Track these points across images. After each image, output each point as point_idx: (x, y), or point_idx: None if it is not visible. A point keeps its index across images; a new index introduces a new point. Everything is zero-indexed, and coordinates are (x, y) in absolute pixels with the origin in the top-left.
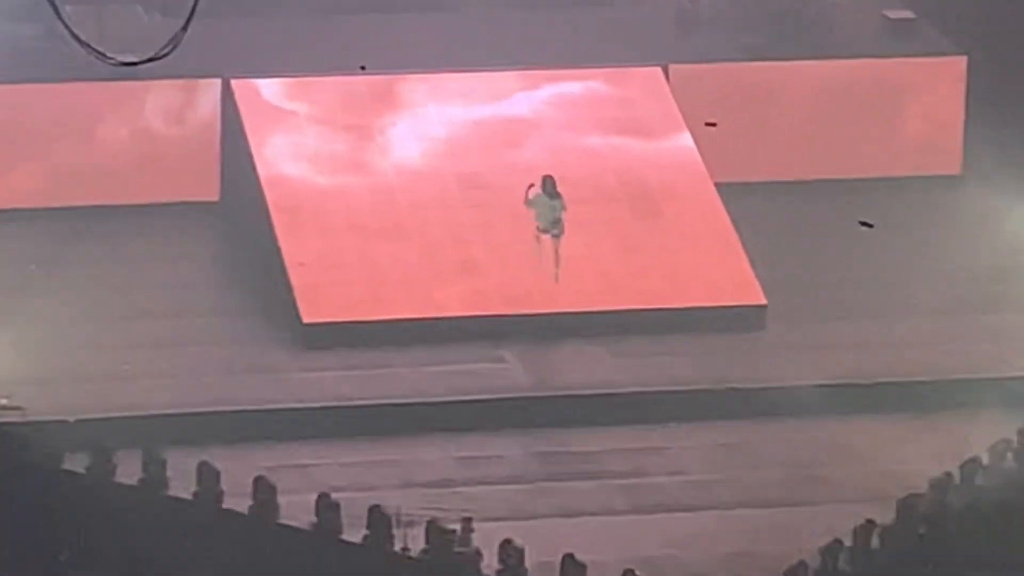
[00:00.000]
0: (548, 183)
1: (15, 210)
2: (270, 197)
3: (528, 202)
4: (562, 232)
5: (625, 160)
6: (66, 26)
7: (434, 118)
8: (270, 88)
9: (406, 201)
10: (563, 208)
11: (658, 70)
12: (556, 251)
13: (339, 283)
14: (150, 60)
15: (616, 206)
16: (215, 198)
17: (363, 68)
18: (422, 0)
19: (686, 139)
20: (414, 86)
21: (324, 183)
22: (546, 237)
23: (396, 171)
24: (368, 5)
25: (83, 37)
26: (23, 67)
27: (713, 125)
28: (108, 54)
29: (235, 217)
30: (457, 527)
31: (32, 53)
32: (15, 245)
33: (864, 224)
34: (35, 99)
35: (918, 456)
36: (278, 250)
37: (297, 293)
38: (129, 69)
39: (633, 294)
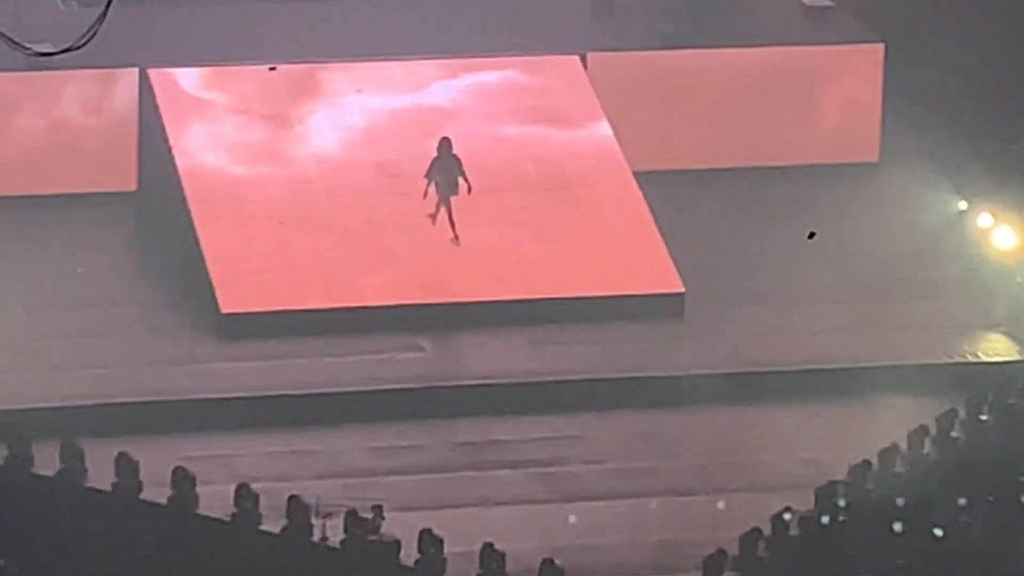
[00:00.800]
0: (444, 145)
1: None
2: (188, 187)
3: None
4: (456, 192)
5: (543, 149)
6: None
7: (352, 107)
8: (188, 78)
9: (324, 190)
10: (459, 171)
11: (576, 58)
12: (449, 211)
13: (258, 273)
14: (67, 50)
15: (534, 195)
16: (133, 188)
17: (272, 68)
18: None
19: (604, 127)
20: (332, 75)
21: (242, 173)
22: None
23: (315, 160)
24: None
25: None
26: None
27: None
28: (24, 44)
29: (153, 207)
30: (373, 516)
31: None
32: None
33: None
34: None
35: (836, 443)
36: (196, 240)
37: (216, 283)
38: (45, 59)
39: (551, 282)
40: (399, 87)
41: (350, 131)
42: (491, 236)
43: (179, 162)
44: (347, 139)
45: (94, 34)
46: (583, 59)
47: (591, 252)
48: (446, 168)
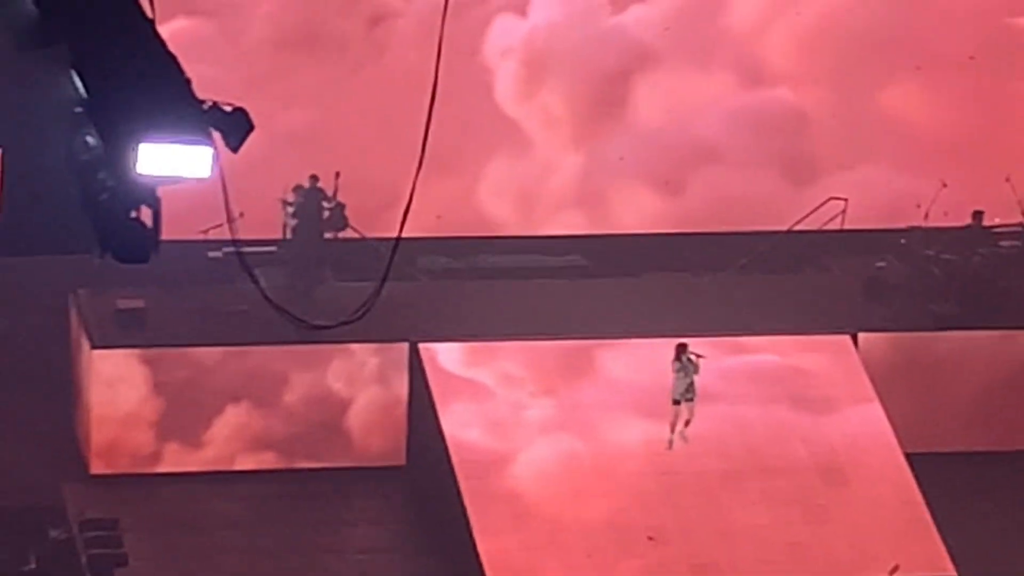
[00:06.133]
0: (681, 351)
1: (201, 474)
2: (457, 463)
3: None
4: (694, 396)
5: (813, 430)
6: (259, 288)
7: (622, 384)
8: (457, 352)
9: (593, 468)
10: (695, 372)
11: (847, 338)
12: (688, 413)
13: (526, 549)
14: (343, 323)
15: (804, 476)
16: (402, 463)
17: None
18: (608, 267)
19: (875, 408)
20: (602, 352)
21: (511, 448)
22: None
23: (583, 437)
24: (554, 272)
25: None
26: (215, 329)
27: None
28: (301, 317)
29: (422, 483)
30: None
31: (223, 316)
32: (201, 508)
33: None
34: (225, 361)
35: None
36: (465, 516)
37: (484, 560)
38: (317, 332)
39: (821, 565)
40: (669, 365)
41: (619, 408)
42: (761, 518)
43: (448, 437)
44: (616, 417)
45: (370, 307)
46: (854, 338)
47: (862, 535)
48: (683, 373)
